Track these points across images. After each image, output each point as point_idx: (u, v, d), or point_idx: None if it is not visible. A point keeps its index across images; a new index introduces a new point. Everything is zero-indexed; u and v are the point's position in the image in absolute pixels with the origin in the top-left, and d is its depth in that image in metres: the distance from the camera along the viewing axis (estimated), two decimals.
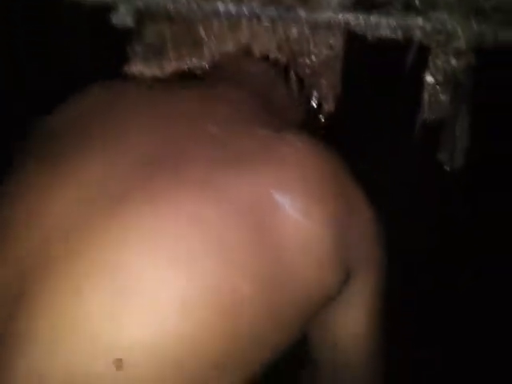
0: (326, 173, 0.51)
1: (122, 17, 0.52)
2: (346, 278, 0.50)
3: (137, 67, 0.56)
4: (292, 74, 0.64)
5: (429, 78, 0.55)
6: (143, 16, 0.56)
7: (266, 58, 0.61)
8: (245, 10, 0.56)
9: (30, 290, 0.44)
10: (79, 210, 0.46)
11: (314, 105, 0.68)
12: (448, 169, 0.60)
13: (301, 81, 0.65)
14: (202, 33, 0.57)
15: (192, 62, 0.59)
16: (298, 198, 0.47)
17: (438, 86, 0.55)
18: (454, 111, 0.55)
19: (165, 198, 0.45)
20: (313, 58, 0.61)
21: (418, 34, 0.55)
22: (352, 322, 0.53)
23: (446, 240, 1.32)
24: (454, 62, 0.53)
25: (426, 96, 0.57)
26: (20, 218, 0.49)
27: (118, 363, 0.39)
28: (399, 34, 0.55)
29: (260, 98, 0.62)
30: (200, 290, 0.42)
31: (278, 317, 0.45)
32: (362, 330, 0.53)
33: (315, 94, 0.67)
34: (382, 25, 0.55)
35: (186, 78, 0.60)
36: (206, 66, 0.60)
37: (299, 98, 0.68)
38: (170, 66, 0.58)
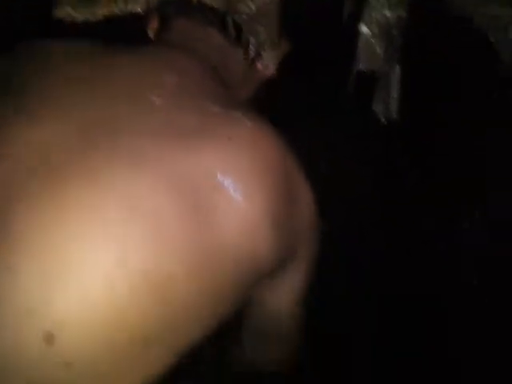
0: (273, 158, 0.50)
1: None
2: (281, 262, 0.51)
3: (65, 11, 0.53)
4: (229, 21, 0.62)
5: (364, 29, 0.56)
6: None
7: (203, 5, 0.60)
8: None
9: None
10: (17, 176, 0.44)
11: (252, 52, 0.68)
12: (383, 120, 0.61)
13: (239, 28, 0.64)
14: None
15: (126, 7, 0.57)
16: (241, 180, 0.47)
17: (372, 38, 0.56)
18: (387, 63, 0.56)
19: (100, 173, 0.44)
20: (250, 4, 0.60)
21: None
22: (285, 300, 0.57)
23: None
24: (388, 13, 0.53)
25: (360, 47, 0.57)
26: None
27: (49, 338, 0.39)
28: None
29: (210, 66, 0.60)
30: (130, 271, 0.41)
31: (211, 295, 0.46)
32: (292, 307, 0.58)
33: (252, 41, 0.66)
34: None
35: (131, 42, 0.58)
36: (141, 11, 0.58)
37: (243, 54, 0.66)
38: (102, 10, 0.55)
